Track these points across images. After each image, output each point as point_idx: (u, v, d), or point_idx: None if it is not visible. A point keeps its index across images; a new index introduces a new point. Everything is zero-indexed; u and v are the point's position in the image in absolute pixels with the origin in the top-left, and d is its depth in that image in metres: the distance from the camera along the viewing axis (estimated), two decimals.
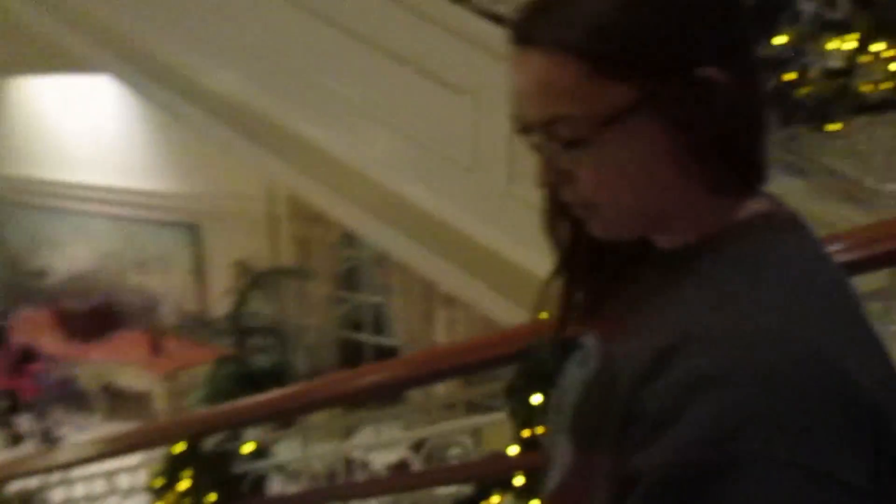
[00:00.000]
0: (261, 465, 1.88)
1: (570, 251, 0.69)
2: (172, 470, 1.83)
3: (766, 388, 0.48)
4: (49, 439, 6.12)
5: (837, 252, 1.13)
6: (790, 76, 1.32)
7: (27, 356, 5.90)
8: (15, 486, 2.55)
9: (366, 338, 6.18)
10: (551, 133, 0.58)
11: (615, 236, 0.63)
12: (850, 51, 1.21)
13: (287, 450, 2.28)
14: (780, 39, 1.31)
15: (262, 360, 5.95)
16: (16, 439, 6.15)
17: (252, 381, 5.79)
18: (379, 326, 6.20)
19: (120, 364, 6.18)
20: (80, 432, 6.31)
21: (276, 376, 5.98)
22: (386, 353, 6.34)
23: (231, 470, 1.83)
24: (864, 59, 1.21)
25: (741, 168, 0.60)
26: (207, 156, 5.91)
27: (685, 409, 0.49)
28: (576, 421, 0.67)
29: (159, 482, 1.88)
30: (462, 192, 2.42)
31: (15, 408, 6.12)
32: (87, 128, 6.40)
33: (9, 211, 7.10)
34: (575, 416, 0.67)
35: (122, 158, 6.27)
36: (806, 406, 0.48)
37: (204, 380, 5.78)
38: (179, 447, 1.88)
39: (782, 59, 1.35)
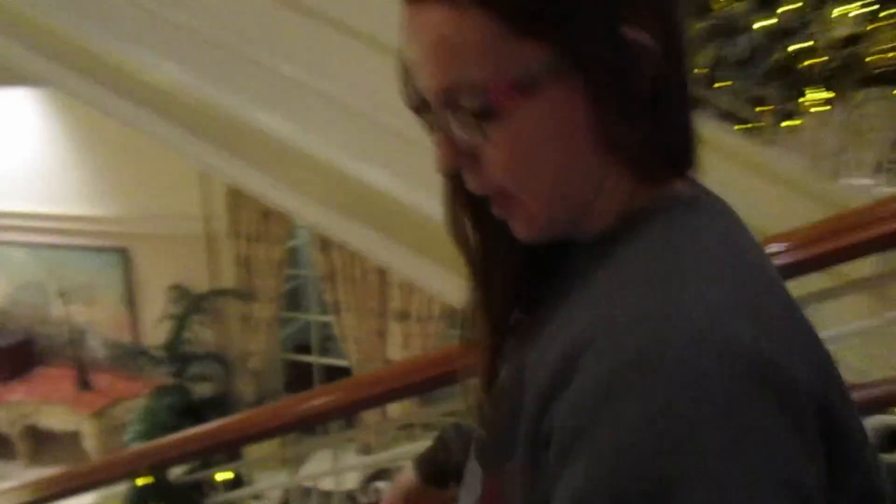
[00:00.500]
0: (236, 495, 1.70)
1: (484, 255, 0.60)
2: None
3: (687, 390, 0.41)
4: None
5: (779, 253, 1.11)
6: (797, 46, 1.31)
7: None
8: None
9: (315, 359, 5.95)
10: (453, 104, 0.50)
11: (540, 235, 0.55)
12: (859, 17, 1.21)
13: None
14: (785, 7, 1.30)
15: (203, 389, 5.62)
16: None
17: (194, 411, 5.45)
18: (328, 347, 5.99)
19: (43, 404, 5.70)
20: (2, 480, 5.77)
21: (219, 405, 5.67)
22: (337, 374, 6.13)
23: (204, 502, 1.65)
24: (876, 25, 1.21)
25: (668, 147, 0.53)
26: (136, 176, 5.58)
27: (596, 425, 0.42)
28: (480, 443, 0.59)
29: None
30: (413, 167, 2.27)
31: None
32: (1, 149, 5.93)
33: None
34: (480, 438, 0.59)
35: (41, 182, 5.83)
36: (737, 407, 0.41)
37: (140, 414, 5.39)
38: (142, 480, 1.68)
39: (788, 29, 1.34)
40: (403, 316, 5.13)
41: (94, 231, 5.75)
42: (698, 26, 1.85)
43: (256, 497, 1.80)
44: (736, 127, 1.92)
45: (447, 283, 2.30)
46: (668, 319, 0.43)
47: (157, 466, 1.68)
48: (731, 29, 1.73)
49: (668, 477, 0.39)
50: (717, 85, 2.05)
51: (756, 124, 1.97)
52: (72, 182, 5.76)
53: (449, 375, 1.50)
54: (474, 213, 0.58)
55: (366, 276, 5.12)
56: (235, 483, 1.96)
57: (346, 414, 2.62)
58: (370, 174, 2.21)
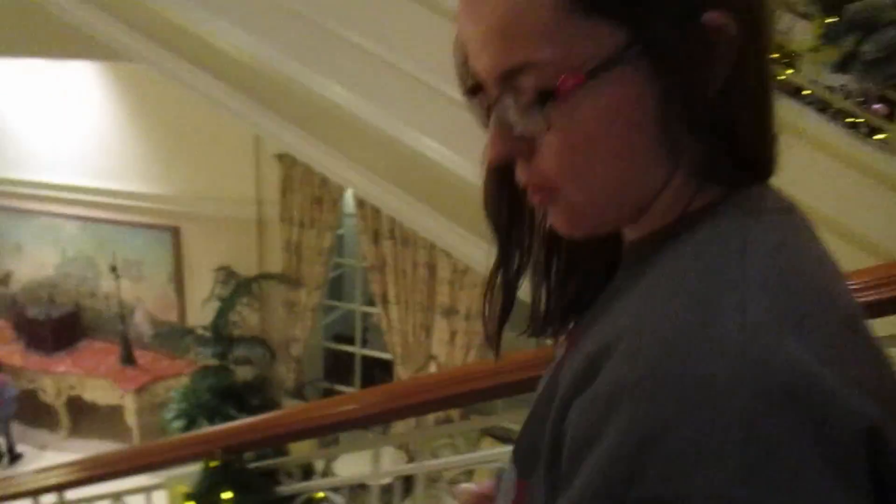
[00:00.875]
0: (314, 485, 1.63)
1: (526, 249, 0.59)
2: (209, 488, 1.57)
3: (701, 406, 0.36)
4: (10, 456, 5.64)
5: None
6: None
7: None
8: None
9: (356, 350, 5.91)
10: (514, 87, 0.46)
11: (584, 232, 0.53)
12: None
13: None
14: None
15: (245, 372, 5.62)
16: None
17: (235, 393, 5.45)
18: (367, 338, 5.94)
19: (87, 377, 5.75)
20: (42, 449, 5.85)
21: (259, 389, 5.66)
22: (376, 366, 6.09)
23: (278, 490, 1.58)
24: None
25: (740, 148, 0.48)
26: (192, 156, 5.60)
27: (598, 436, 0.40)
28: (518, 445, 0.59)
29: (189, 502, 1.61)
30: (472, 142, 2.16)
31: None
32: (58, 124, 6.01)
33: None
34: (518, 440, 0.59)
35: (98, 157, 5.89)
36: (758, 429, 0.35)
37: (182, 393, 5.41)
38: (214, 462, 1.62)
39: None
40: (450, 311, 5.05)
41: (147, 209, 5.78)
42: (829, 20, 1.72)
43: (335, 489, 1.71)
44: (847, 130, 1.79)
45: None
46: (697, 329, 0.40)
47: (231, 450, 1.62)
48: (871, 24, 1.60)
49: (659, 498, 0.35)
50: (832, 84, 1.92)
51: (878, 126, 1.83)
52: (128, 159, 5.80)
53: (483, 391, 1.42)
54: (518, 204, 0.57)
55: (416, 269, 5.05)
56: (306, 474, 1.89)
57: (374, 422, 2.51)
58: (429, 146, 2.11)
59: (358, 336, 5.91)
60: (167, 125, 5.62)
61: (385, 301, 5.23)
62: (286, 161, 5.24)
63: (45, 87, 5.91)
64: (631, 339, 0.42)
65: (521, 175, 0.51)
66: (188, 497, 1.65)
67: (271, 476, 1.65)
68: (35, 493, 2.01)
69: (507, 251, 0.60)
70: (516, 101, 0.47)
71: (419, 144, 2.04)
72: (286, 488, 1.61)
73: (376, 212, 5.06)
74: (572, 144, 0.47)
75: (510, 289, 0.61)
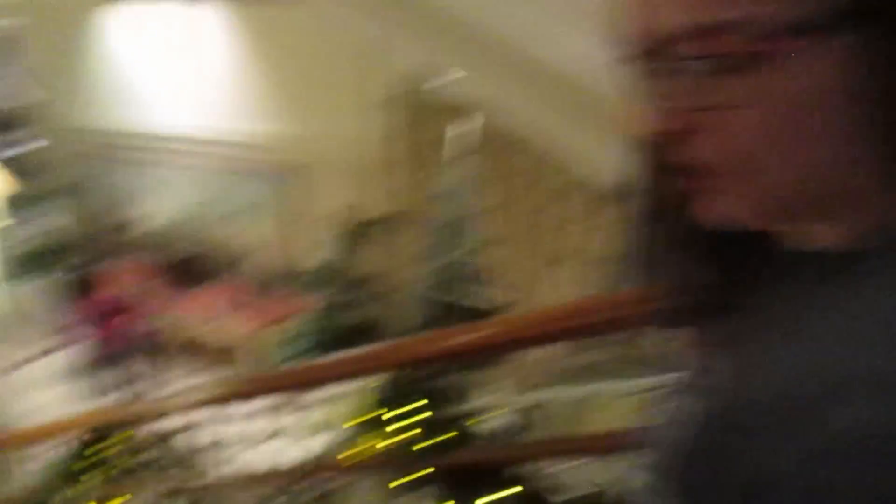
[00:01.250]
0: (497, 400, 1.59)
1: (678, 227, 0.52)
2: (399, 395, 1.55)
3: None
4: (134, 391, 6.03)
5: None
6: None
7: (115, 308, 5.77)
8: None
9: (463, 297, 5.89)
10: (704, 49, 0.40)
11: (737, 221, 0.46)
12: None
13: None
14: None
15: (353, 316, 5.73)
16: (103, 390, 6.07)
17: (344, 336, 5.58)
18: (476, 286, 5.90)
19: (205, 318, 6.03)
20: (163, 386, 6.22)
21: (367, 332, 5.77)
22: (479, 314, 6.06)
23: (463, 409, 1.54)
24: None
25: None
26: (312, 98, 5.64)
27: (834, 486, 0.36)
28: (686, 472, 0.52)
29: (367, 415, 1.60)
30: None
31: (101, 359, 6.03)
32: (183, 68, 6.19)
33: (96, 163, 6.99)
34: (685, 466, 0.52)
35: (221, 102, 6.05)
36: None
37: (293, 334, 5.59)
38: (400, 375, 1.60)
39: None
40: (556, 260, 4.93)
41: (268, 152, 5.89)
42: None
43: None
44: None
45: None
46: None
47: (413, 364, 1.59)
48: None
49: None
50: None
51: None
52: (251, 103, 5.92)
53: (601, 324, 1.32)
54: (666, 183, 0.50)
55: (538, 213, 4.94)
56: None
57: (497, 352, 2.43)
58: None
59: (463, 283, 5.89)
60: (283, 71, 5.68)
61: (495, 245, 5.16)
62: (408, 101, 5.19)
63: (173, 34, 6.08)
64: (858, 387, 0.38)
65: (683, 155, 0.44)
66: (380, 403, 1.63)
67: (455, 392, 1.61)
68: (220, 400, 2.07)
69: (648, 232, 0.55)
70: (700, 66, 0.40)
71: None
72: (472, 404, 1.57)
73: (498, 151, 4.96)
74: (762, 121, 0.40)
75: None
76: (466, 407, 1.60)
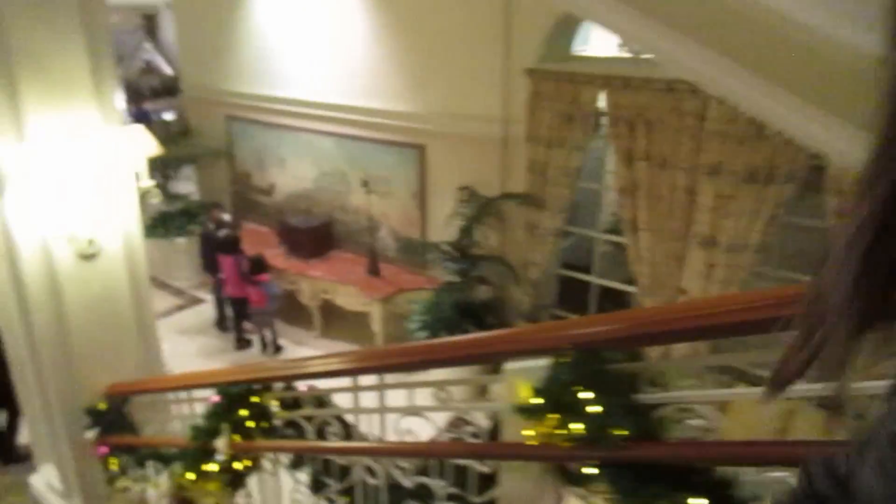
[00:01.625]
0: (681, 396, 1.43)
1: None
2: (562, 385, 1.43)
3: None
4: (274, 347, 6.36)
5: None
6: None
7: (258, 266, 6.07)
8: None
9: (592, 279, 5.68)
10: None
11: None
12: None
13: None
14: None
15: (482, 292, 5.68)
16: (242, 344, 6.46)
17: (473, 311, 5.55)
18: (601, 267, 5.67)
19: (338, 283, 6.21)
20: (298, 345, 6.51)
21: (495, 309, 5.70)
22: (605, 297, 5.82)
23: (639, 397, 1.40)
24: None
25: None
26: (441, 75, 5.61)
27: None
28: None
29: (534, 398, 1.50)
30: None
31: (242, 314, 6.39)
32: (319, 45, 6.35)
33: (240, 127, 7.37)
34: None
35: (352, 77, 6.15)
36: None
37: (425, 305, 5.63)
38: (564, 359, 1.48)
39: None
40: (710, 242, 4.56)
41: (396, 126, 5.95)
42: None
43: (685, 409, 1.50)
44: None
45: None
46: None
47: (582, 346, 1.46)
48: None
49: None
50: None
51: None
52: (381, 78, 5.97)
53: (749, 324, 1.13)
54: None
55: (673, 193, 4.62)
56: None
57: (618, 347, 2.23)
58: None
59: (596, 264, 5.66)
60: (418, 44, 5.66)
61: (634, 227, 4.88)
62: (536, 76, 5.02)
63: (310, 9, 6.26)
64: None
65: None
66: (537, 392, 1.53)
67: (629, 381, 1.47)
68: (357, 370, 2.05)
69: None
70: None
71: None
72: (650, 396, 1.42)
73: (631, 130, 4.68)
74: None
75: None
76: (645, 397, 1.45)
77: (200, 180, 8.22)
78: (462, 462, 1.86)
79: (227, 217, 6.63)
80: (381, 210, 6.27)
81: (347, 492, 2.32)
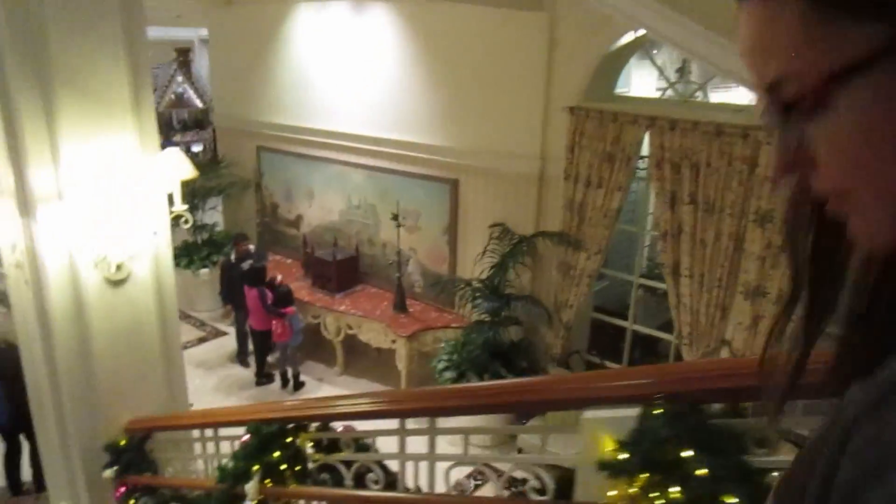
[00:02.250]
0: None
1: (819, 264, 0.53)
2: (656, 441, 1.25)
3: None
4: (294, 383, 6.17)
5: None
6: None
7: (284, 298, 5.94)
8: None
9: (628, 325, 5.46)
10: (777, 98, 0.47)
11: (885, 241, 0.47)
12: None
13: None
14: None
15: (513, 333, 5.48)
16: (264, 379, 6.28)
17: (503, 352, 5.35)
18: (646, 312, 5.46)
19: (364, 318, 6.05)
20: (320, 382, 6.32)
21: (526, 351, 5.49)
22: (649, 345, 5.60)
23: (750, 458, 1.22)
24: None
25: None
26: (477, 110, 5.53)
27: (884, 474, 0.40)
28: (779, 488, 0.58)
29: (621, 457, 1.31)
30: None
31: (265, 348, 6.23)
32: (352, 77, 6.33)
33: (270, 158, 7.33)
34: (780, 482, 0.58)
35: (386, 110, 6.10)
36: None
37: (453, 345, 5.44)
38: (657, 410, 1.30)
39: None
40: (756, 293, 4.36)
41: (428, 160, 5.85)
42: None
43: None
44: None
45: None
46: None
47: (677, 399, 1.28)
48: None
49: None
50: None
51: None
52: (415, 111, 5.91)
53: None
54: (817, 219, 0.52)
55: (718, 239, 4.44)
56: None
57: None
58: None
59: (632, 310, 5.45)
60: (455, 78, 5.61)
61: (676, 273, 4.70)
62: (578, 114, 4.91)
63: (345, 41, 6.26)
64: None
65: (813, 186, 0.48)
66: (623, 447, 1.34)
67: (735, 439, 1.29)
68: (413, 413, 1.87)
69: (816, 289, 0.53)
70: (783, 114, 0.47)
71: None
72: (762, 458, 1.23)
73: (676, 173, 4.54)
74: (843, 149, 0.45)
75: (810, 339, 0.54)
76: (756, 459, 1.26)
77: (227, 211, 8.17)
78: None
79: (252, 248, 6.53)
80: (410, 245, 6.14)
81: None
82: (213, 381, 6.33)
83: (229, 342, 6.84)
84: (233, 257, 6.41)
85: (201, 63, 12.46)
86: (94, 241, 2.87)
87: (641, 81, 6.54)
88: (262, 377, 6.28)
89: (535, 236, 5.25)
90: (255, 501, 2.25)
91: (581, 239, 5.07)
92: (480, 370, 5.17)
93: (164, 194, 3.07)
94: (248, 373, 6.40)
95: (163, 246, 3.14)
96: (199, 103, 12.48)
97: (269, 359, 6.34)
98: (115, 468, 2.99)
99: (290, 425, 2.24)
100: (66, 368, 2.95)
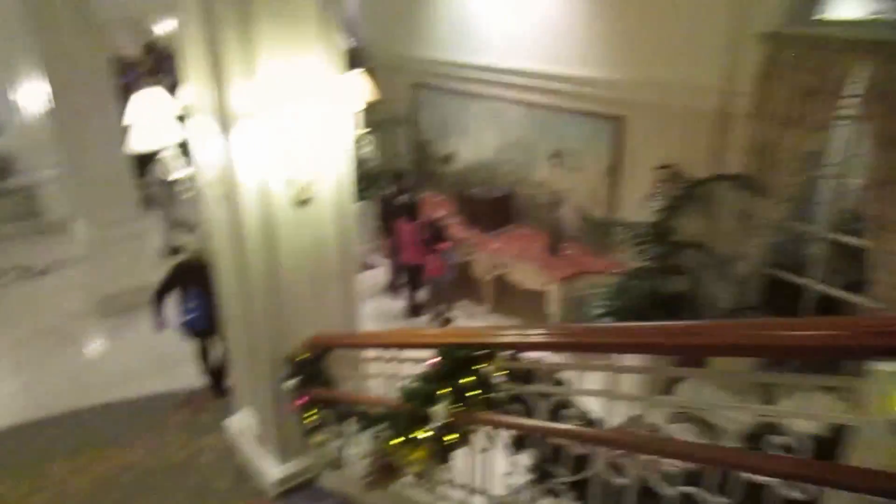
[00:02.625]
0: None
1: None
2: None
3: None
4: (444, 319, 6.25)
5: None
6: None
7: (439, 234, 5.96)
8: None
9: (811, 283, 4.93)
10: None
11: None
12: None
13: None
14: None
15: (677, 283, 5.14)
16: (415, 311, 6.42)
17: (663, 302, 5.04)
18: (814, 272, 4.90)
19: (515, 259, 5.95)
20: (470, 318, 6.36)
21: (689, 303, 5.15)
22: (830, 307, 5.04)
23: None
24: None
25: None
26: (649, 39, 5.09)
27: None
28: None
29: None
30: None
31: (417, 281, 6.33)
32: (511, 8, 6.05)
33: (426, 95, 7.29)
34: None
35: (546, 41, 5.80)
36: None
37: (610, 291, 5.20)
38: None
39: None
40: None
41: (592, 95, 5.52)
42: None
43: None
44: None
45: None
46: None
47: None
48: None
49: None
50: None
51: None
52: (578, 42, 5.56)
53: None
54: None
55: None
56: None
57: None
58: None
59: (814, 266, 4.90)
60: (625, 2, 5.19)
61: (882, 228, 4.12)
62: (775, 42, 4.36)
63: None
64: None
65: None
66: None
67: None
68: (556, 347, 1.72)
69: None
70: None
71: None
72: None
73: (893, 109, 3.92)
74: None
75: None
76: None
77: (380, 147, 8.30)
78: (761, 479, 1.48)
79: (406, 184, 6.58)
80: (567, 185, 5.89)
81: (578, 486, 2.02)
82: (366, 311, 6.55)
83: (382, 274, 7.03)
84: (388, 192, 6.51)
85: (351, 1, 12.65)
86: (285, 160, 2.94)
87: (848, 2, 5.70)
88: (414, 310, 6.41)
89: (711, 180, 4.82)
90: (443, 424, 2.23)
91: (767, 184, 4.58)
92: (640, 319, 4.90)
93: (350, 116, 3.06)
94: (400, 305, 6.55)
95: (346, 169, 3.17)
96: (349, 43, 12.68)
97: (420, 293, 6.45)
98: (297, 379, 3.12)
99: (483, 351, 2.18)
100: (257, 282, 3.09)
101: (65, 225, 8.12)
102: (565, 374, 2.08)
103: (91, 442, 4.69)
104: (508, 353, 2.19)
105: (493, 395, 2.14)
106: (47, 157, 7.99)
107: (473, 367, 2.18)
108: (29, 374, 5.93)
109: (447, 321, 6.26)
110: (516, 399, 2.15)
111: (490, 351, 2.16)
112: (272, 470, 3.56)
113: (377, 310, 6.60)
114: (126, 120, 3.24)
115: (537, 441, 2.10)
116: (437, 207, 6.75)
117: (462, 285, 6.48)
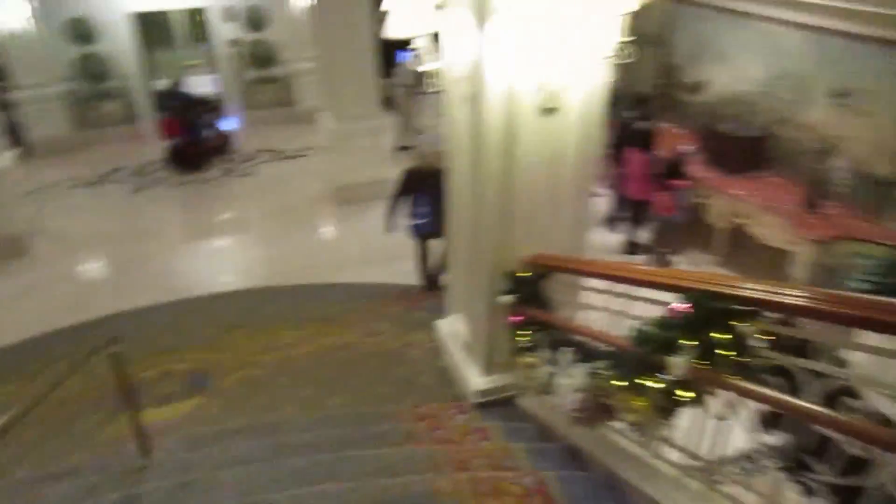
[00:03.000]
0: None
1: None
2: None
3: None
4: (663, 263, 5.80)
5: None
6: None
7: (675, 169, 5.43)
8: None
9: None
10: None
11: None
12: None
13: None
14: None
15: None
16: (632, 249, 6.03)
17: None
18: None
19: (761, 210, 5.23)
20: (693, 266, 5.82)
21: None
22: None
23: None
24: None
25: None
26: None
27: None
28: None
29: None
30: None
31: (640, 218, 5.90)
32: None
33: (683, 11, 6.51)
34: None
35: None
36: None
37: (875, 264, 4.38)
38: None
39: None
40: None
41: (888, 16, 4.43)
42: None
43: None
44: None
45: None
46: None
47: None
48: None
49: None
50: None
51: None
52: None
53: None
54: None
55: None
56: None
57: None
58: None
59: None
60: None
61: None
62: None
63: None
64: None
65: None
66: None
67: None
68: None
69: None
70: None
71: None
72: None
73: None
74: None
75: None
76: None
77: (621, 67, 7.70)
78: None
79: (647, 110, 6.04)
80: (848, 132, 4.95)
81: (845, 491, 1.67)
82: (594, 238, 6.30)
83: (602, 204, 6.66)
84: (627, 117, 6.02)
85: None
86: (539, 61, 2.71)
87: None
88: (631, 247, 6.02)
89: None
90: (678, 378, 1.97)
91: None
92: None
93: (616, 19, 2.73)
94: (616, 240, 6.19)
95: (601, 80, 2.87)
96: None
97: (642, 231, 6.01)
98: (515, 296, 3.02)
99: (743, 307, 1.85)
100: (490, 191, 2.99)
101: (313, 115, 8.81)
102: (854, 357, 1.69)
103: (315, 316, 5.15)
104: (778, 314, 1.84)
105: (749, 359, 1.82)
106: (306, 51, 8.62)
107: (730, 323, 1.87)
108: (273, 246, 6.66)
109: (667, 266, 5.79)
110: (779, 371, 1.81)
111: (755, 309, 1.83)
112: (475, 379, 3.58)
113: (593, 242, 6.29)
114: (384, 5, 3.22)
115: (796, 425, 1.76)
116: (677, 140, 6.13)
117: (691, 230, 5.91)
